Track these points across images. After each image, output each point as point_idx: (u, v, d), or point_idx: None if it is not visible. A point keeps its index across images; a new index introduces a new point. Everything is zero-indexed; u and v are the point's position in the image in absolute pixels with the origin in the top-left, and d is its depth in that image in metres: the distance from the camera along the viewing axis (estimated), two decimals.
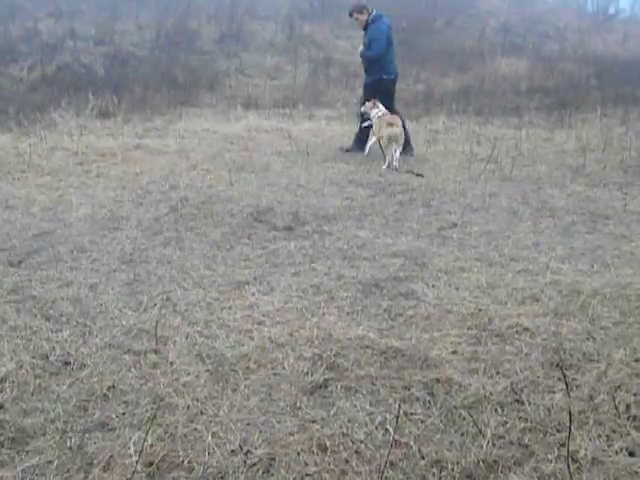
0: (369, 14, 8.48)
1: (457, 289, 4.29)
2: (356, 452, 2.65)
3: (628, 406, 2.91)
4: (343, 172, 7.59)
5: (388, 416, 2.87)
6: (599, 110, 11.53)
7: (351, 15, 8.63)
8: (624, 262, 4.78)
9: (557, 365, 3.28)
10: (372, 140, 8.42)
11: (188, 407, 2.95)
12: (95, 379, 3.17)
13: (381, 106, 8.31)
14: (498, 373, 3.23)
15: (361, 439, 2.72)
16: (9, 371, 3.20)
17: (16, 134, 9.42)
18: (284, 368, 3.28)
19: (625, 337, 3.59)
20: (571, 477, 2.47)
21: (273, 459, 2.60)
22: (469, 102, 12.92)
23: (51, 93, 12.20)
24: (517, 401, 3.00)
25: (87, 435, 2.76)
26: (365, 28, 8.58)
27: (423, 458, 2.61)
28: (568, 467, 2.51)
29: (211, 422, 2.84)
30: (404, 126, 8.34)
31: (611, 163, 8.18)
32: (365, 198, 6.53)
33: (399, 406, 2.90)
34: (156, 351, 3.46)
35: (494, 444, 2.69)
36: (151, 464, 2.57)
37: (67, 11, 17.41)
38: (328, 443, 2.69)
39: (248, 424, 2.83)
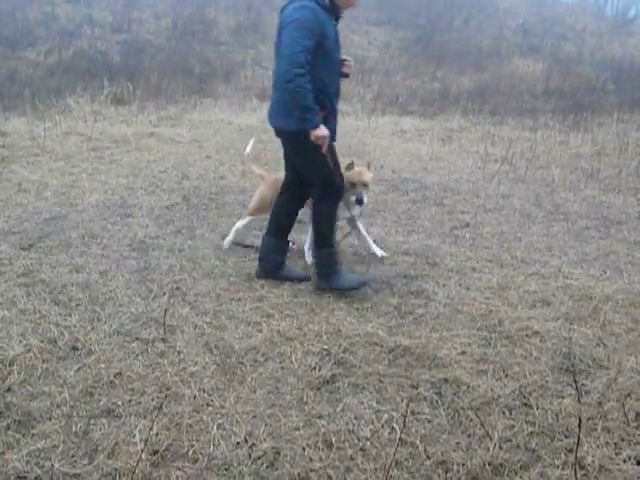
0: None
1: (468, 289, 4.27)
2: (361, 449, 2.63)
3: (638, 414, 2.87)
4: None
5: (395, 414, 2.85)
6: (615, 115, 11.46)
7: None
8: (637, 269, 4.74)
9: (567, 370, 3.25)
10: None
11: (194, 397, 2.94)
12: (102, 365, 3.17)
13: None
14: (507, 376, 3.21)
15: (367, 436, 2.71)
16: (17, 354, 3.20)
17: (31, 118, 9.44)
18: (292, 362, 3.26)
19: (636, 345, 3.55)
20: None
21: (278, 453, 2.59)
22: (485, 102, 12.85)
23: (67, 78, 12.22)
24: (525, 405, 2.97)
25: (93, 421, 2.75)
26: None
27: (429, 458, 2.59)
28: (575, 474, 2.49)
29: (217, 413, 2.83)
30: None
31: (626, 169, 8.11)
32: (377, 194, 6.50)
33: (407, 405, 2.89)
34: (164, 340, 3.46)
35: (501, 447, 2.67)
36: (156, 453, 2.56)
37: None
38: (334, 439, 2.67)
39: (254, 417, 2.82)
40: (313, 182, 4.14)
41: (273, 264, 4.33)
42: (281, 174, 4.54)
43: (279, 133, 4.11)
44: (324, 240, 4.19)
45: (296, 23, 3.75)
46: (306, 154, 4.00)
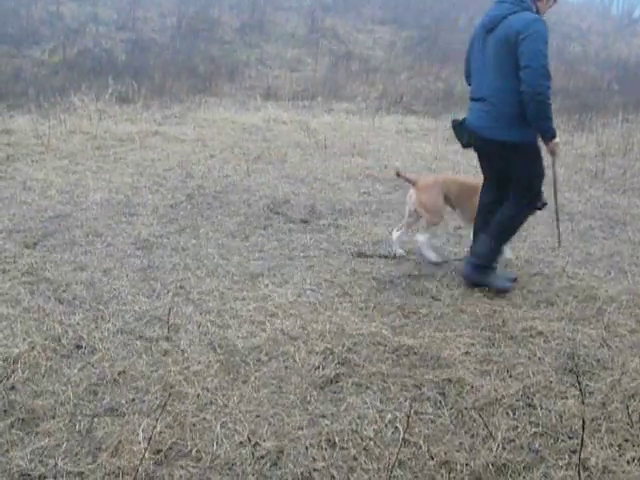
0: None
1: (472, 289, 4.26)
2: (365, 449, 2.63)
3: None
4: (360, 167, 7.55)
5: (398, 414, 2.85)
6: (620, 115, 11.41)
7: None
8: None
9: (571, 371, 3.25)
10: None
11: (198, 396, 2.94)
12: (106, 364, 3.18)
13: None
14: (511, 376, 3.20)
15: (370, 436, 2.70)
16: (21, 352, 3.20)
17: (36, 116, 9.45)
18: (295, 361, 3.26)
19: None
20: None
21: (281, 452, 2.59)
22: None
23: (71, 77, 12.23)
24: (529, 405, 2.97)
25: (96, 419, 2.75)
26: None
27: (432, 458, 2.59)
28: (579, 475, 2.48)
29: (220, 412, 2.83)
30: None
31: (631, 169, 8.08)
32: (382, 194, 6.50)
33: (410, 405, 2.89)
34: (168, 338, 3.46)
35: (504, 448, 2.66)
36: (159, 451, 2.56)
37: None
38: (337, 439, 2.67)
39: (257, 416, 2.82)
40: (518, 188, 4.21)
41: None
42: (431, 176, 4.87)
43: (494, 145, 4.13)
44: (502, 238, 4.32)
45: (538, 35, 3.92)
46: (522, 164, 4.14)
